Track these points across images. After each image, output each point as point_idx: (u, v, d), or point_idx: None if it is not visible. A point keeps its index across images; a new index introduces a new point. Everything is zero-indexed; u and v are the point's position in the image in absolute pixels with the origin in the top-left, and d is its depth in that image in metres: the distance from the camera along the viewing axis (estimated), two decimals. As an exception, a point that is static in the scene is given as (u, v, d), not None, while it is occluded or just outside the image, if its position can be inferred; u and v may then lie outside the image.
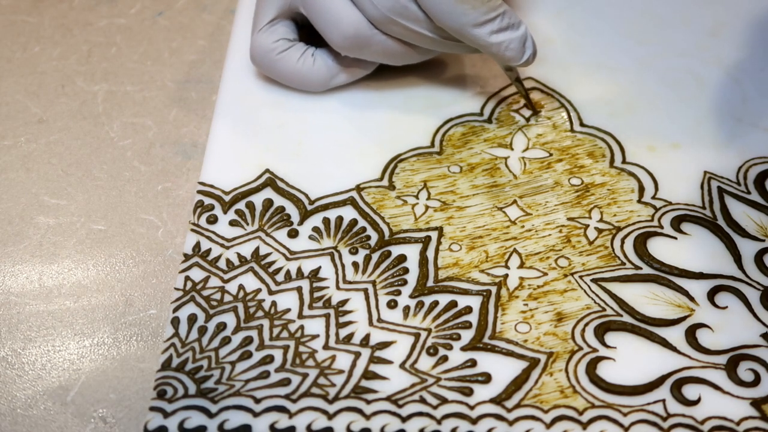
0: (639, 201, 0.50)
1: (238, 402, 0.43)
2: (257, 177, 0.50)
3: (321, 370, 0.44)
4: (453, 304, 0.46)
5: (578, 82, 0.55)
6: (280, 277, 0.47)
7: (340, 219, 0.49)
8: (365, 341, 0.45)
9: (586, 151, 0.52)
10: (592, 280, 0.47)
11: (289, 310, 0.46)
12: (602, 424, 0.42)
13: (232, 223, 0.49)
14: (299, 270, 0.47)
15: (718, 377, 0.44)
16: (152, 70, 0.57)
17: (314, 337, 0.45)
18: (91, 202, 0.51)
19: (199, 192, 0.50)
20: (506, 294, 0.46)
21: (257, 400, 0.43)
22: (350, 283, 0.47)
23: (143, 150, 0.53)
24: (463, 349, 0.44)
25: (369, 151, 0.52)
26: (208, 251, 0.47)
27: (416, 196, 0.50)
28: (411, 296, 0.46)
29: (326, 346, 0.44)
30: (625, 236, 0.48)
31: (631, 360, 0.44)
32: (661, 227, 0.49)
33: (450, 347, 0.44)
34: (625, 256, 0.47)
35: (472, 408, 0.43)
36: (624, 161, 0.51)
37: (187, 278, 0.46)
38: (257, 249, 0.48)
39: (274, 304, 0.46)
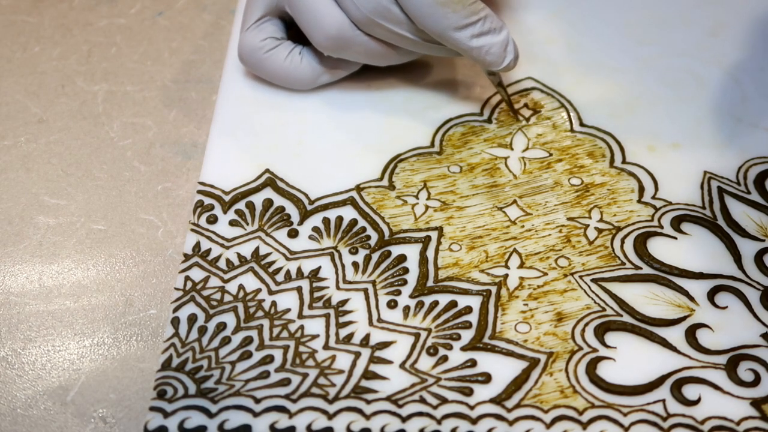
0: (639, 201, 0.50)
1: (238, 402, 0.43)
2: (257, 177, 0.50)
3: (321, 370, 0.44)
4: (453, 304, 0.46)
5: (578, 82, 0.55)
6: (280, 277, 0.47)
7: (340, 219, 0.49)
8: (365, 341, 0.45)
9: (586, 151, 0.52)
10: (592, 280, 0.47)
11: (289, 310, 0.46)
12: (602, 424, 0.42)
13: (232, 223, 0.49)
14: (299, 270, 0.47)
15: (718, 377, 0.44)
16: (152, 70, 0.57)
17: (314, 337, 0.45)
18: (91, 202, 0.51)
19: (199, 192, 0.50)
20: (506, 294, 0.46)
21: (257, 400, 0.43)
22: (350, 283, 0.47)
23: (143, 150, 0.53)
24: (463, 349, 0.44)
25: (369, 151, 0.52)
26: (208, 251, 0.47)
27: (416, 196, 0.50)
28: (411, 296, 0.46)
29: (326, 346, 0.44)
30: (625, 236, 0.48)
31: (631, 360, 0.44)
32: (661, 227, 0.49)
33: (450, 347, 0.44)
34: (625, 256, 0.47)
35: (472, 408, 0.43)
36: (624, 161, 0.51)
37: (187, 278, 0.46)
38: (257, 249, 0.48)
39: (274, 304, 0.46)
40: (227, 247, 0.48)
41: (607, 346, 0.44)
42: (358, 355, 0.44)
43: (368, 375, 0.43)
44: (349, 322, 0.45)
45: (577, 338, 0.45)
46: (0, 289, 0.47)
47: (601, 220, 0.49)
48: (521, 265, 0.47)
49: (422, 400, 0.43)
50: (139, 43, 0.58)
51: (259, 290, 0.46)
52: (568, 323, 0.45)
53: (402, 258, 0.47)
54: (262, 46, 0.52)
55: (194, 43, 0.58)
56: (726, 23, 0.58)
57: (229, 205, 0.49)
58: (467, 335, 0.45)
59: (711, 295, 0.46)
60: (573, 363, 0.44)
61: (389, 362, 0.44)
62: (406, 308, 0.46)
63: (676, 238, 0.48)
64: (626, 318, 0.45)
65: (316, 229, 0.48)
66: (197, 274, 0.47)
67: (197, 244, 0.48)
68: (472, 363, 0.44)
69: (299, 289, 0.46)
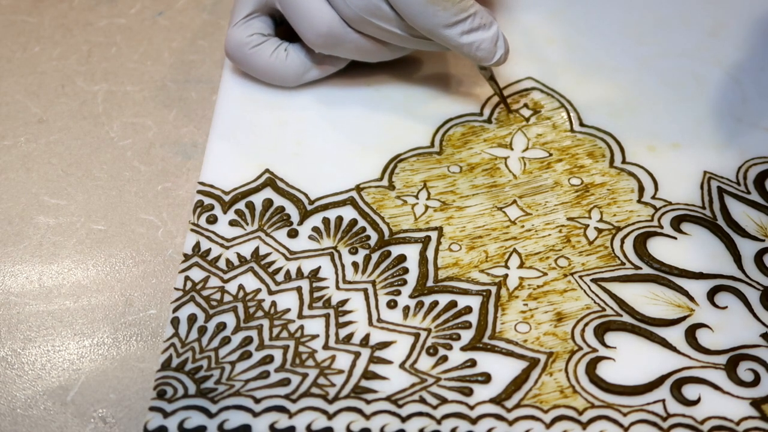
0: (639, 201, 0.50)
1: (238, 402, 0.43)
2: (257, 177, 0.50)
3: (321, 370, 0.44)
4: (453, 304, 0.46)
5: (578, 82, 0.55)
6: (280, 277, 0.47)
7: (339, 219, 0.49)
8: (365, 341, 0.45)
9: (586, 151, 0.52)
10: (592, 280, 0.47)
11: (289, 310, 0.46)
12: (602, 424, 0.42)
13: (232, 223, 0.49)
14: (299, 270, 0.47)
15: (718, 377, 0.44)
16: (152, 70, 0.57)
17: (314, 337, 0.45)
18: (91, 202, 0.51)
19: (199, 192, 0.50)
20: (506, 294, 0.46)
21: (257, 400, 0.43)
22: (350, 283, 0.47)
23: (143, 150, 0.53)
24: (463, 349, 0.44)
25: (369, 151, 0.52)
26: (208, 251, 0.47)
27: (416, 196, 0.50)
28: (411, 296, 0.46)
29: (326, 346, 0.44)
30: (625, 236, 0.48)
31: (631, 360, 0.44)
32: (661, 227, 0.49)
33: (450, 347, 0.44)
34: (625, 256, 0.47)
35: (471, 408, 0.43)
36: (624, 161, 0.51)
37: (187, 278, 0.46)
38: (257, 249, 0.48)
39: (274, 304, 0.46)
40: (227, 247, 0.48)
41: (607, 346, 0.44)
42: (358, 355, 0.44)
43: (368, 375, 0.43)
44: (349, 322, 0.45)
45: (577, 338, 0.45)
46: (0, 289, 0.47)
47: (601, 220, 0.49)
48: (521, 265, 0.47)
49: (422, 400, 0.43)
50: (139, 43, 0.58)
51: (259, 290, 0.46)
52: (568, 323, 0.45)
53: (402, 258, 0.47)
54: (248, 41, 0.52)
55: (194, 43, 0.58)
56: (726, 23, 0.58)
57: (229, 205, 0.49)
58: (467, 335, 0.45)
59: (711, 295, 0.46)
60: (573, 363, 0.44)
61: (389, 362, 0.44)
62: (406, 308, 0.46)
63: (676, 238, 0.48)
64: (626, 318, 0.45)
65: (316, 229, 0.48)
66: (197, 274, 0.47)
67: (197, 244, 0.48)
68: (472, 363, 0.44)
69: (299, 289, 0.46)
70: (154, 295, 0.47)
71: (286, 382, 0.43)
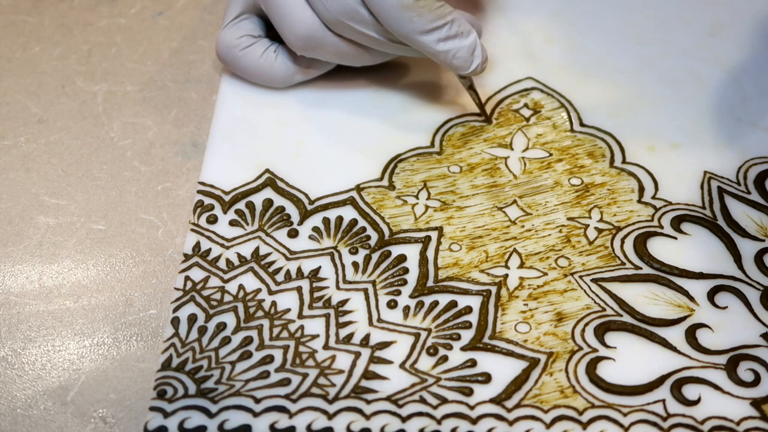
0: (639, 201, 0.50)
1: (238, 402, 0.43)
2: (257, 177, 0.50)
3: (321, 370, 0.44)
4: (453, 304, 0.46)
5: (578, 82, 0.55)
6: (280, 277, 0.47)
7: (340, 219, 0.49)
8: (365, 341, 0.45)
9: (586, 151, 0.52)
10: (592, 280, 0.47)
11: (289, 310, 0.46)
12: (602, 424, 0.42)
13: (232, 223, 0.49)
14: (299, 270, 0.47)
15: (718, 377, 0.44)
16: (152, 70, 0.57)
17: (314, 337, 0.45)
18: (91, 202, 0.51)
19: (199, 192, 0.50)
20: (506, 294, 0.46)
21: (257, 400, 0.43)
22: (350, 283, 0.47)
23: (143, 150, 0.53)
24: (463, 349, 0.44)
25: (369, 151, 0.52)
26: (208, 251, 0.47)
27: (416, 196, 0.50)
28: (411, 296, 0.46)
29: (326, 346, 0.44)
30: (625, 236, 0.48)
31: (631, 360, 0.44)
32: (661, 227, 0.49)
33: (450, 347, 0.44)
34: (625, 256, 0.47)
35: (472, 408, 0.43)
36: (624, 161, 0.51)
37: (187, 278, 0.46)
38: (257, 249, 0.48)
39: (274, 304, 0.46)
40: (227, 247, 0.48)
41: (607, 346, 0.44)
42: (358, 355, 0.44)
43: (368, 375, 0.43)
44: (349, 322, 0.45)
45: (577, 338, 0.45)
46: (0, 289, 0.47)
47: (601, 220, 0.49)
48: (521, 265, 0.47)
49: (422, 400, 0.43)
50: (139, 43, 0.58)
51: (259, 290, 0.46)
52: (568, 323, 0.45)
53: (402, 258, 0.47)
54: (238, 43, 0.53)
55: (194, 43, 0.58)
56: (726, 23, 0.58)
57: (229, 205, 0.49)
58: (467, 335, 0.45)
59: (711, 295, 0.46)
60: (573, 363, 0.44)
61: (389, 362, 0.44)
62: (406, 308, 0.46)
63: (676, 238, 0.48)
64: (626, 318, 0.45)
65: (316, 229, 0.48)
66: (197, 274, 0.47)
67: (197, 244, 0.48)
68: (472, 363, 0.44)
69: (299, 289, 0.46)
70: (154, 295, 0.47)
71: (286, 382, 0.43)
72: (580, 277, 0.47)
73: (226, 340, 0.44)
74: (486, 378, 0.43)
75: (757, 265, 0.47)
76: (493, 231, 0.49)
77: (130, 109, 0.55)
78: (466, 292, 0.46)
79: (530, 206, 0.49)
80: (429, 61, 0.55)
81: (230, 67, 0.54)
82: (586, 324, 0.45)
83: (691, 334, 0.45)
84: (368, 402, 0.43)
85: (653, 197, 0.50)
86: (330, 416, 0.42)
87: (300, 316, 0.45)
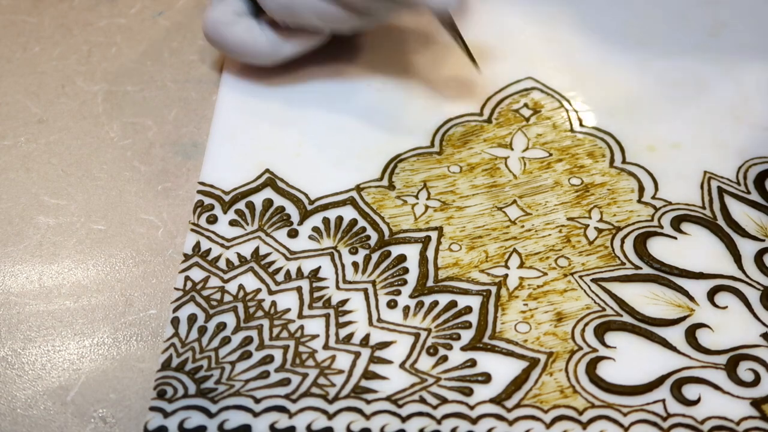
0: (639, 201, 0.50)
1: (238, 402, 0.43)
2: (257, 177, 0.50)
3: (321, 370, 0.44)
4: (453, 304, 0.46)
5: (578, 82, 0.55)
6: (280, 277, 0.47)
7: (340, 219, 0.49)
8: (365, 341, 0.45)
9: (586, 151, 0.52)
10: (592, 280, 0.47)
11: (289, 310, 0.46)
12: (602, 424, 0.42)
13: (232, 223, 0.49)
14: (299, 270, 0.47)
15: (718, 377, 0.44)
16: (152, 70, 0.57)
17: (314, 337, 0.45)
18: (91, 202, 0.51)
19: (199, 192, 0.50)
20: (506, 294, 0.46)
21: (257, 400, 0.43)
22: (350, 283, 0.47)
23: (143, 150, 0.53)
24: (463, 349, 0.44)
25: (369, 151, 0.52)
26: (208, 251, 0.47)
27: (416, 196, 0.50)
28: (411, 296, 0.46)
29: (326, 346, 0.44)
30: (625, 236, 0.48)
31: (631, 360, 0.44)
32: (661, 227, 0.49)
33: (450, 347, 0.44)
34: (625, 256, 0.47)
35: (472, 408, 0.43)
36: (624, 161, 0.51)
37: (187, 278, 0.46)
38: (257, 249, 0.48)
39: (274, 304, 0.46)
40: (227, 247, 0.48)
41: (607, 346, 0.44)
42: (358, 355, 0.44)
43: (368, 375, 0.43)
44: (349, 322, 0.45)
45: (577, 338, 0.45)
46: (0, 289, 0.47)
47: (601, 220, 0.49)
48: (521, 265, 0.47)
49: (422, 400, 0.43)
50: (139, 43, 0.58)
51: (259, 290, 0.46)
52: (568, 323, 0.45)
53: (402, 258, 0.47)
54: (222, 20, 0.53)
55: (194, 43, 0.58)
56: (726, 23, 0.58)
57: (229, 205, 0.49)
58: (467, 335, 0.45)
59: (711, 295, 0.46)
60: (573, 363, 0.44)
61: (389, 362, 0.44)
62: (406, 308, 0.46)
63: (676, 238, 0.48)
64: (626, 318, 0.45)
65: (316, 229, 0.48)
66: (197, 274, 0.47)
67: (197, 244, 0.48)
68: (472, 363, 0.44)
69: (299, 289, 0.46)
70: (154, 295, 0.47)
71: (286, 382, 0.43)
72: (580, 277, 0.47)
73: (226, 340, 0.44)
74: (486, 378, 0.43)
75: (757, 265, 0.47)
76: (493, 231, 0.49)
77: (130, 109, 0.55)
78: (466, 292, 0.46)
79: (530, 206, 0.49)
80: (430, 61, 0.55)
81: (216, 46, 0.54)
82: (586, 324, 0.45)
83: (691, 334, 0.45)
84: (368, 402, 0.43)
85: (653, 197, 0.50)
86: (330, 416, 0.42)
87: (300, 316, 0.45)
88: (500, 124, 0.53)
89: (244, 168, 0.51)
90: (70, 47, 0.58)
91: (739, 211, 0.49)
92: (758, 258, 0.47)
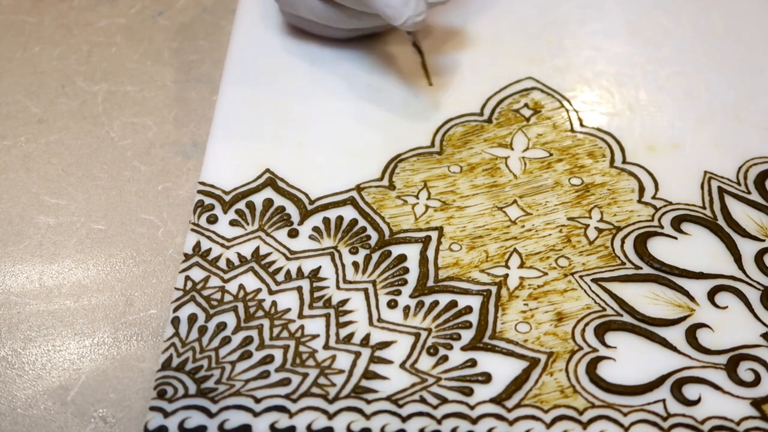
0: (639, 201, 0.50)
1: (238, 402, 0.43)
2: (257, 177, 0.50)
3: (321, 370, 0.44)
4: (453, 303, 0.46)
5: (578, 82, 0.55)
6: (280, 276, 0.47)
7: (340, 219, 0.49)
8: (365, 341, 0.45)
9: (586, 151, 0.52)
10: (593, 280, 0.47)
11: (289, 309, 0.46)
12: (602, 424, 0.42)
13: (233, 222, 0.49)
14: (299, 270, 0.47)
15: (718, 377, 0.44)
16: (152, 70, 0.57)
17: (314, 336, 0.45)
18: (91, 202, 0.51)
19: (200, 192, 0.50)
20: (506, 294, 0.46)
21: (257, 400, 0.43)
22: (350, 282, 0.47)
23: (143, 150, 0.53)
24: (464, 348, 0.44)
25: (369, 151, 0.52)
26: (209, 251, 0.47)
27: (416, 196, 0.50)
28: (411, 296, 0.46)
29: (326, 346, 0.44)
30: (625, 236, 0.48)
31: (631, 360, 0.44)
32: (661, 227, 0.49)
33: (450, 347, 0.44)
34: (625, 256, 0.47)
35: (472, 408, 0.43)
36: (624, 161, 0.51)
37: (188, 278, 0.46)
38: (257, 249, 0.48)
39: (274, 303, 0.46)
40: (227, 247, 0.48)
41: (607, 346, 0.44)
42: (358, 354, 0.44)
43: (368, 375, 0.43)
44: (349, 322, 0.45)
45: (577, 338, 0.45)
46: (0, 289, 0.47)
47: (601, 220, 0.49)
48: (521, 265, 0.47)
49: (422, 400, 0.43)
50: (139, 43, 0.58)
51: (259, 290, 0.46)
52: (568, 323, 0.45)
53: (402, 258, 0.47)
54: None
55: (194, 43, 0.58)
56: (726, 23, 0.58)
57: (229, 205, 0.49)
58: (467, 335, 0.45)
59: (711, 295, 0.46)
60: (573, 363, 0.44)
61: (389, 362, 0.44)
62: (407, 308, 0.46)
63: (676, 238, 0.48)
64: (626, 318, 0.45)
65: (316, 228, 0.48)
66: (197, 274, 0.47)
67: (197, 244, 0.48)
68: (472, 363, 0.44)
69: (299, 289, 0.46)
70: (154, 295, 0.47)
71: (286, 381, 0.43)
72: (581, 277, 0.47)
73: (226, 340, 0.44)
74: (486, 378, 0.43)
75: (757, 265, 0.47)
76: (494, 231, 0.49)
77: (130, 109, 0.55)
78: (466, 291, 0.46)
79: (530, 206, 0.49)
80: (430, 61, 0.55)
81: (290, 18, 0.55)
82: (587, 324, 0.45)
83: (691, 334, 0.45)
84: (368, 402, 0.43)
85: (653, 197, 0.50)
86: (330, 416, 0.42)
87: (300, 315, 0.45)
88: (500, 124, 0.53)
89: (244, 168, 0.51)
90: (70, 47, 0.58)
91: (740, 211, 0.49)
92: (758, 258, 0.47)
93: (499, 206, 0.49)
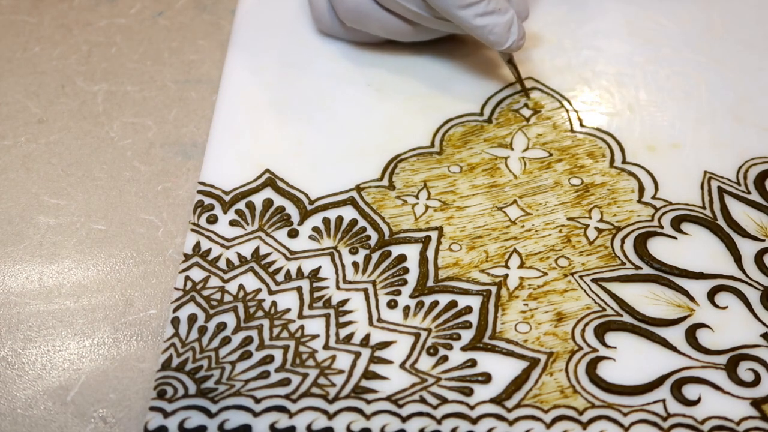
0: (639, 201, 0.50)
1: (238, 402, 0.43)
2: (257, 177, 0.50)
3: (321, 370, 0.44)
4: (453, 304, 0.46)
5: (578, 81, 0.55)
6: (280, 277, 0.47)
7: (340, 219, 0.49)
8: (365, 341, 0.45)
9: (586, 151, 0.52)
10: (592, 280, 0.47)
11: (289, 310, 0.46)
12: (602, 424, 0.42)
13: (232, 223, 0.49)
14: (299, 270, 0.47)
15: (718, 377, 0.44)
16: (152, 70, 0.57)
17: (314, 337, 0.45)
18: (91, 202, 0.51)
19: (199, 192, 0.50)
20: (506, 294, 0.46)
21: (257, 400, 0.43)
22: (350, 283, 0.47)
23: (143, 150, 0.53)
24: (463, 349, 0.44)
25: (369, 151, 0.52)
26: (208, 251, 0.47)
27: (416, 196, 0.50)
28: (411, 296, 0.46)
29: (326, 346, 0.44)
30: (625, 236, 0.48)
31: (631, 360, 0.44)
32: (661, 227, 0.49)
33: (450, 347, 0.44)
34: (625, 256, 0.47)
35: (472, 408, 0.43)
36: (624, 161, 0.51)
37: (187, 278, 0.46)
38: (257, 249, 0.48)
39: (274, 304, 0.46)
40: (227, 247, 0.48)
41: (607, 346, 0.44)
42: (358, 355, 0.44)
43: (368, 375, 0.43)
44: (349, 322, 0.45)
45: (577, 338, 0.45)
46: (0, 289, 0.47)
47: (601, 220, 0.49)
48: (521, 265, 0.47)
49: (422, 400, 0.43)
50: (139, 43, 0.58)
51: (259, 290, 0.46)
52: (568, 323, 0.45)
53: (402, 258, 0.47)
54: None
55: (194, 43, 0.58)
56: (726, 23, 0.58)
57: (229, 205, 0.49)
58: (467, 335, 0.45)
59: (711, 295, 0.46)
60: (573, 363, 0.44)
61: (389, 362, 0.44)
62: (406, 308, 0.46)
63: (676, 238, 0.48)
64: (626, 318, 0.45)
65: (316, 229, 0.48)
66: (197, 274, 0.47)
67: (197, 244, 0.48)
68: (472, 363, 0.44)
69: (299, 289, 0.46)
70: (154, 295, 0.47)
71: (286, 382, 0.43)
72: (580, 277, 0.47)
73: (226, 340, 0.44)
74: (486, 378, 0.43)
75: (757, 265, 0.47)
76: (493, 231, 0.49)
77: (130, 109, 0.55)
78: (466, 292, 0.46)
79: (530, 206, 0.49)
80: (429, 61, 0.55)
81: (358, 25, 0.55)
82: (586, 324, 0.45)
83: (691, 334, 0.45)
84: (368, 402, 0.43)
85: (653, 197, 0.50)
86: (330, 416, 0.42)
87: (300, 316, 0.45)
88: (500, 124, 0.53)
89: (244, 168, 0.51)
90: (70, 47, 0.58)
91: (739, 211, 0.49)
92: (758, 258, 0.47)
93: (499, 206, 0.49)
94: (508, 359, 0.44)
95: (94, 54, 0.58)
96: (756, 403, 0.43)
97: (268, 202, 0.49)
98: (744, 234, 0.48)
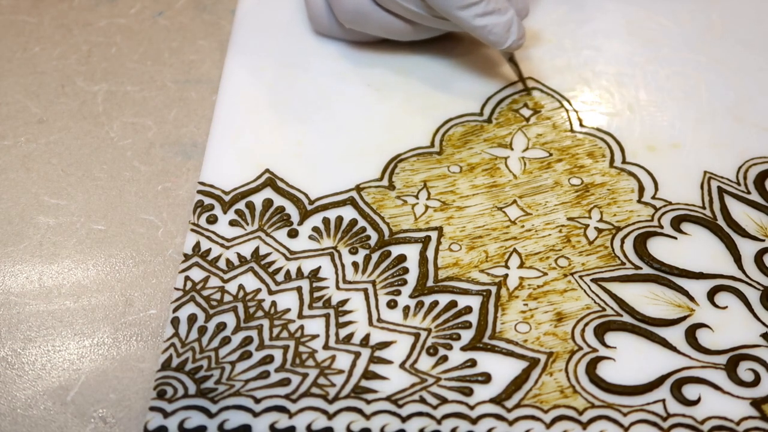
0: (639, 201, 0.50)
1: (238, 402, 0.43)
2: (257, 177, 0.50)
3: (321, 370, 0.44)
4: (453, 304, 0.46)
5: (578, 81, 0.55)
6: (280, 277, 0.47)
7: (340, 219, 0.49)
8: (365, 341, 0.45)
9: (586, 151, 0.52)
10: (592, 280, 0.47)
11: (289, 310, 0.46)
12: (602, 424, 0.42)
13: (232, 223, 0.49)
14: (299, 270, 0.47)
15: (718, 377, 0.44)
16: (152, 70, 0.57)
17: (314, 337, 0.45)
18: (91, 202, 0.51)
19: (199, 192, 0.50)
20: (506, 294, 0.46)
21: (257, 400, 0.43)
22: (350, 283, 0.47)
23: (143, 150, 0.53)
24: (463, 349, 0.44)
25: (369, 151, 0.52)
26: (208, 251, 0.47)
27: (416, 196, 0.50)
28: (411, 296, 0.46)
29: (326, 346, 0.44)
30: (625, 236, 0.48)
31: (631, 360, 0.44)
32: (661, 227, 0.49)
33: (450, 347, 0.44)
34: (625, 256, 0.47)
35: (472, 408, 0.43)
36: (624, 161, 0.51)
37: (187, 278, 0.46)
38: (257, 249, 0.48)
39: (274, 304, 0.46)
40: (227, 247, 0.48)
41: (607, 346, 0.44)
42: (358, 355, 0.44)
43: (368, 375, 0.43)
44: (349, 322, 0.45)
45: (577, 338, 0.45)
46: (0, 289, 0.47)
47: (601, 220, 0.49)
48: (521, 265, 0.47)
49: (422, 400, 0.43)
50: (139, 43, 0.58)
51: (259, 290, 0.46)
52: (568, 323, 0.45)
53: (402, 258, 0.47)
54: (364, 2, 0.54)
55: (194, 43, 0.58)
56: (726, 23, 0.58)
57: (229, 205, 0.49)
58: (467, 335, 0.45)
59: (711, 295, 0.46)
60: (573, 363, 0.44)
61: (389, 362, 0.44)
62: (406, 308, 0.46)
63: (676, 238, 0.48)
64: (626, 318, 0.45)
65: (316, 229, 0.48)
66: (197, 274, 0.47)
67: (197, 244, 0.48)
68: (472, 363, 0.44)
69: (299, 289, 0.46)
70: (154, 295, 0.47)
71: (286, 382, 0.43)
72: (580, 277, 0.47)
73: (226, 340, 0.44)
74: (486, 378, 0.43)
75: (757, 265, 0.47)
76: (493, 231, 0.49)
77: (130, 109, 0.55)
78: (466, 292, 0.46)
79: (530, 206, 0.49)
80: (429, 61, 0.55)
81: (357, 27, 0.54)
82: (586, 324, 0.45)
83: (691, 334, 0.45)
84: (368, 402, 0.43)
85: (653, 197, 0.50)
86: (330, 416, 0.42)
87: (300, 316, 0.45)
88: (500, 124, 0.53)
89: (244, 168, 0.51)
90: (70, 47, 0.58)
91: (739, 211, 0.49)
92: (758, 258, 0.47)
93: (498, 206, 0.49)
94: (508, 359, 0.44)
95: (94, 54, 0.58)
96: (756, 403, 0.43)
97: (267, 202, 0.49)
98: (744, 234, 0.48)
